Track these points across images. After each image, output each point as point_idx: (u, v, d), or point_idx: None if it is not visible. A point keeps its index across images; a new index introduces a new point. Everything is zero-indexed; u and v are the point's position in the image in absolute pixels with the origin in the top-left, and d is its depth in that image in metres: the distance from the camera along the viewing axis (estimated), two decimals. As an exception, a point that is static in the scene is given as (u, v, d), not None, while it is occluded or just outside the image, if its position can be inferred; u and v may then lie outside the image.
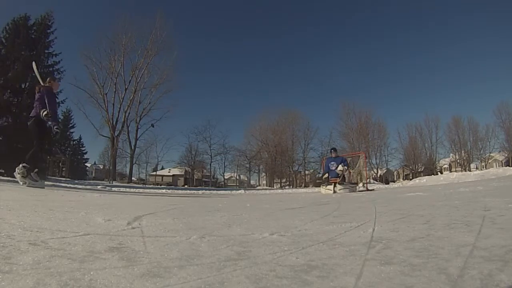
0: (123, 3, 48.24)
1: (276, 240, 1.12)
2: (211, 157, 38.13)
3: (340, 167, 7.62)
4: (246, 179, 45.14)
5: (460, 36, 53.05)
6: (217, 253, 0.92)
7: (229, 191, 10.91)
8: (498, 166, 32.49)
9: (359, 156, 12.93)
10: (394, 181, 33.33)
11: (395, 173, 44.21)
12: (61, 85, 17.36)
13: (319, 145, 36.73)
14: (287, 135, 37.10)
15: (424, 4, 54.13)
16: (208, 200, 4.34)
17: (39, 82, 4.65)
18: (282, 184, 37.11)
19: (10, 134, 14.89)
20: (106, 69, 24.92)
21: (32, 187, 4.14)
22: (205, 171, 42.02)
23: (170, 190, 10.40)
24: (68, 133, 37.02)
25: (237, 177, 45.65)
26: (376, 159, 36.98)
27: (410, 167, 39.09)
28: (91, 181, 19.12)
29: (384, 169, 39.48)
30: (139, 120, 26.36)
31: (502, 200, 2.31)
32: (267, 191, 11.72)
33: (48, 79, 4.72)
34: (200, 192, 8.69)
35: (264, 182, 41.16)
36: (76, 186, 6.75)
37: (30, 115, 4.56)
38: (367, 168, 21.53)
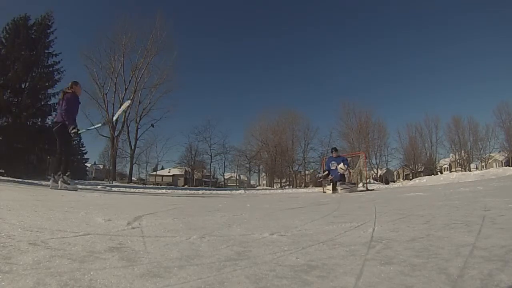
0: (123, 3, 48.29)
1: (276, 240, 1.12)
2: (211, 157, 38.21)
3: (341, 165, 7.61)
4: (246, 179, 45.14)
5: (460, 36, 53.07)
6: (217, 253, 0.92)
7: (229, 191, 10.91)
8: (498, 166, 32.50)
9: (359, 156, 12.95)
10: (394, 181, 33.38)
11: (395, 173, 44.21)
12: (61, 85, 17.41)
13: (319, 145, 36.85)
14: (287, 135, 37.16)
15: (424, 4, 54.21)
16: (208, 200, 4.34)
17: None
18: (282, 184, 37.12)
19: (10, 134, 14.89)
20: (106, 69, 25.02)
21: (64, 189, 4.22)
22: (205, 171, 42.02)
23: (170, 190, 10.41)
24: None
25: (237, 177, 45.64)
26: (376, 159, 37.08)
27: (410, 167, 39.09)
28: (91, 181, 19.15)
29: (384, 169, 39.51)
30: (139, 120, 26.47)
31: (502, 200, 2.30)
32: (267, 191, 11.73)
33: (70, 84, 4.77)
34: (200, 192, 8.70)
35: (264, 182, 41.17)
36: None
37: (55, 120, 4.67)
38: (367, 168, 21.54)
